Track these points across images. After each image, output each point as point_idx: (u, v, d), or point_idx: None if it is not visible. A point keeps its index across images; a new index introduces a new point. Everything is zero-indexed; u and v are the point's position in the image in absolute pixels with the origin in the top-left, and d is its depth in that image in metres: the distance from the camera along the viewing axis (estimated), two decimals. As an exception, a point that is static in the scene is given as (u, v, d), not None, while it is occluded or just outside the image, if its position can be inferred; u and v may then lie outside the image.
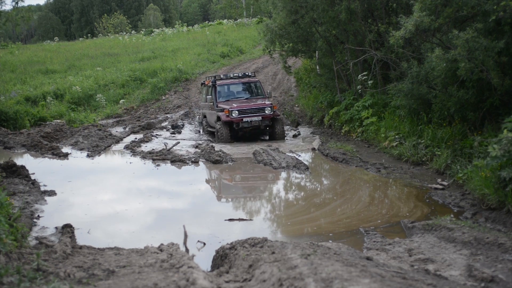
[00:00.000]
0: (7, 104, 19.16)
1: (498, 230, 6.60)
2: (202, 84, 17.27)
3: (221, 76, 16.37)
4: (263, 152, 12.41)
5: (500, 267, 5.00)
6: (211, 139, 15.93)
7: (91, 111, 21.23)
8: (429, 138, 10.58)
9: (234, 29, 41.45)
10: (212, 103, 15.72)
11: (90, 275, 4.66)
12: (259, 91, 16.13)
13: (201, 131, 17.98)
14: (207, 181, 11.21)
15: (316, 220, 8.09)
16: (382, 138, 12.33)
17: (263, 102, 15.05)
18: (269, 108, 14.62)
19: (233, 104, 14.89)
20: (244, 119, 14.51)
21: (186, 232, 6.25)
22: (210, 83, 15.97)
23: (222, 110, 14.84)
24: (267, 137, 15.49)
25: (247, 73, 16.72)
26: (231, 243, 5.86)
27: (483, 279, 4.73)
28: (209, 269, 5.82)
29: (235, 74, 16.66)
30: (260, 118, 14.53)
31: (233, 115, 14.53)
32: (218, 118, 14.94)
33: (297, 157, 12.23)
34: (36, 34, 79.54)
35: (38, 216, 8.44)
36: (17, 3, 9.29)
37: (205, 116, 16.97)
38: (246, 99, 15.74)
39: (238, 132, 14.86)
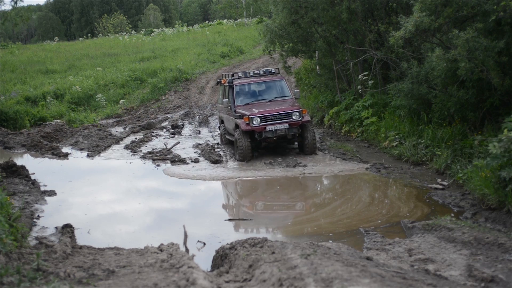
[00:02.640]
0: (7, 104, 19.18)
1: (498, 230, 6.60)
2: (218, 83, 14.91)
3: (239, 74, 13.79)
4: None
5: (500, 267, 5.01)
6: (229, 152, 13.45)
7: (91, 111, 21.23)
8: (429, 138, 10.58)
9: (234, 29, 41.44)
10: (229, 107, 13.25)
11: (90, 275, 4.66)
12: (285, 91, 13.44)
13: (199, 132, 17.34)
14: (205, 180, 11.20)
15: (316, 220, 8.09)
16: (382, 138, 12.33)
17: (290, 106, 12.33)
18: (297, 113, 11.97)
19: (254, 109, 12.28)
20: (268, 128, 11.89)
21: (186, 232, 6.25)
22: (227, 83, 13.62)
23: (241, 116, 12.23)
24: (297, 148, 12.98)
25: (270, 70, 14.01)
26: (231, 243, 5.87)
27: (483, 279, 4.73)
28: (209, 269, 5.83)
29: (255, 72, 13.98)
30: (286, 125, 11.90)
31: (254, 122, 11.87)
32: (237, 126, 12.45)
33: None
34: (36, 34, 79.52)
35: (38, 216, 8.45)
36: (16, 2, 9.28)
37: (222, 121, 14.46)
38: (269, 101, 13.02)
39: (260, 143, 12.39)
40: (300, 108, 12.18)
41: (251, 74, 13.78)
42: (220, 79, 14.53)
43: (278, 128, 11.91)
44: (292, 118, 11.98)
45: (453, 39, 8.76)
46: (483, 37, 8.54)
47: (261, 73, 13.76)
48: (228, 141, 14.05)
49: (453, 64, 8.92)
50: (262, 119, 11.95)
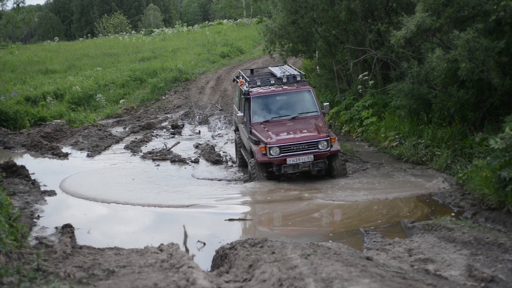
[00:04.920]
0: (7, 104, 19.13)
1: (498, 230, 6.61)
2: (234, 80, 12.71)
3: (258, 82, 11.24)
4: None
5: (500, 267, 5.01)
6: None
7: (91, 111, 21.21)
8: (429, 138, 10.58)
9: (234, 29, 41.42)
10: (245, 121, 10.95)
11: (90, 275, 4.66)
12: (312, 105, 10.94)
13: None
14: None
15: (316, 220, 8.09)
16: (382, 138, 12.33)
17: (316, 133, 9.98)
18: (324, 143, 9.77)
19: (272, 134, 10.04)
20: (288, 160, 9.77)
21: (186, 232, 6.25)
22: (243, 90, 11.13)
23: (257, 142, 10.08)
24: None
25: (294, 75, 11.41)
26: (231, 243, 5.88)
27: (483, 279, 4.73)
28: (209, 269, 5.83)
29: (277, 77, 11.46)
30: (311, 157, 9.77)
31: (272, 153, 9.76)
32: (251, 153, 10.40)
33: None
34: (36, 34, 79.50)
35: (38, 216, 8.46)
36: (18, 5, 9.26)
37: (237, 129, 12.21)
38: (292, 119, 10.69)
39: (279, 177, 10.10)
40: (328, 136, 9.88)
41: (272, 82, 11.26)
42: (237, 77, 12.41)
43: (300, 161, 9.80)
44: (318, 148, 9.80)
45: (454, 39, 8.76)
46: (483, 37, 8.54)
47: (284, 80, 11.24)
48: (242, 158, 11.58)
49: (453, 64, 8.92)
50: (282, 149, 9.79)
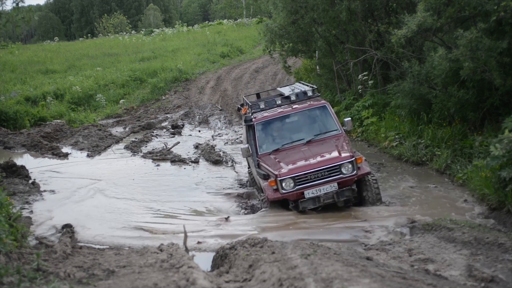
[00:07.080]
0: (7, 104, 19.13)
1: (498, 230, 6.61)
2: (238, 109, 10.73)
3: (262, 106, 9.36)
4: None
5: (500, 267, 5.01)
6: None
7: (91, 111, 21.20)
8: (429, 138, 10.58)
9: (234, 29, 41.44)
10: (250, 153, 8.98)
11: (90, 275, 4.66)
12: (330, 123, 9.07)
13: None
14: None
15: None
16: (382, 138, 12.33)
17: (337, 154, 8.09)
18: (349, 165, 7.91)
19: (283, 165, 8.15)
20: (306, 193, 7.89)
21: (186, 232, 6.25)
22: (244, 122, 9.43)
23: (266, 176, 8.26)
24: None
25: (305, 91, 9.52)
26: (231, 243, 5.88)
27: (483, 279, 4.73)
28: (209, 269, 5.84)
29: (285, 96, 9.57)
30: (335, 186, 7.90)
31: (285, 187, 7.89)
32: (261, 189, 8.64)
33: None
34: (36, 34, 79.54)
35: (38, 216, 8.45)
36: (17, 4, 9.27)
37: (249, 166, 10.35)
38: (307, 143, 8.76)
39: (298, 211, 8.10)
40: (353, 156, 7.98)
41: (279, 102, 9.36)
42: (241, 105, 10.49)
43: (322, 192, 7.86)
44: (342, 172, 7.91)
45: (456, 38, 8.76)
46: (486, 37, 8.53)
47: (293, 98, 9.36)
48: (252, 181, 10.05)
49: (454, 63, 8.92)
50: (297, 180, 7.88)
